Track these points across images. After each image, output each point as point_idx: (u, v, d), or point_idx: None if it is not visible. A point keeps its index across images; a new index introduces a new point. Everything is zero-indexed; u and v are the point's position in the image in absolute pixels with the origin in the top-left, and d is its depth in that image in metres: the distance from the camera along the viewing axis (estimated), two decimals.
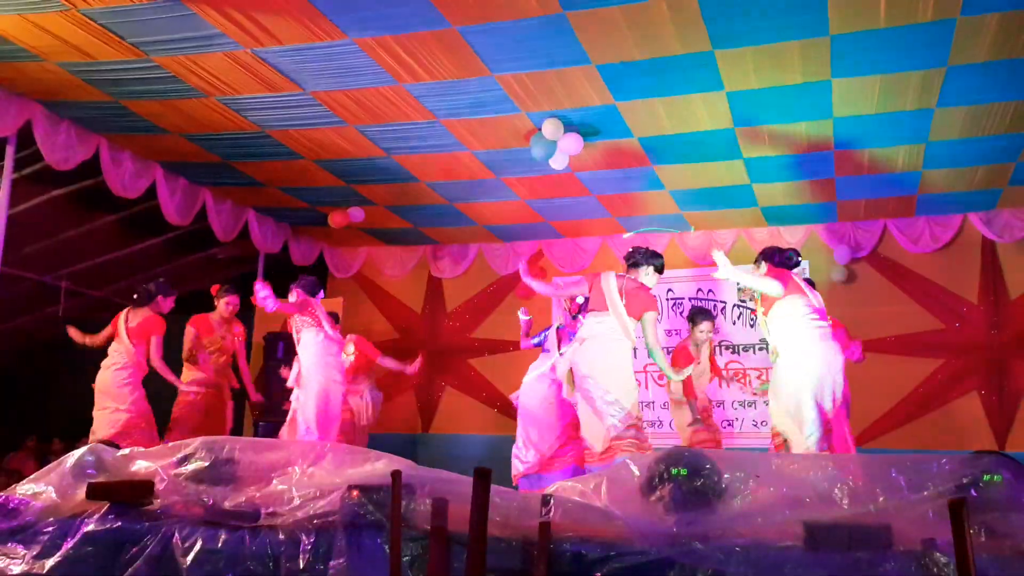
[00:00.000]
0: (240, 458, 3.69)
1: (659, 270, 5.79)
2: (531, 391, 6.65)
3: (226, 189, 8.41)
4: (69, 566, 3.38)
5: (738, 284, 5.48)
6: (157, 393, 7.13)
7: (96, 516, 3.47)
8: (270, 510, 3.30)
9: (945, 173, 7.50)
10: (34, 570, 3.39)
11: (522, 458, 6.51)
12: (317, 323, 6.83)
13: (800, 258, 5.88)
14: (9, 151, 6.66)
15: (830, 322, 5.56)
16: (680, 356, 6.79)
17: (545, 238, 9.78)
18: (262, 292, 6.31)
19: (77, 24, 5.25)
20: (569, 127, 6.57)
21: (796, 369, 5.24)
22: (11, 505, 3.68)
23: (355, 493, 3.18)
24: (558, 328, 6.84)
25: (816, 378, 5.18)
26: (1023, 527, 2.76)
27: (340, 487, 3.25)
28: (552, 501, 2.93)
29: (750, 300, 5.61)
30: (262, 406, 9.23)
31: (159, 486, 3.57)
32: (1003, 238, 8.43)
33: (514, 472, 6.53)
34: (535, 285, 6.18)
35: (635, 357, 5.81)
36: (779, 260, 5.68)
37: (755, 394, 8.01)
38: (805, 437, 5.13)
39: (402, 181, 8.03)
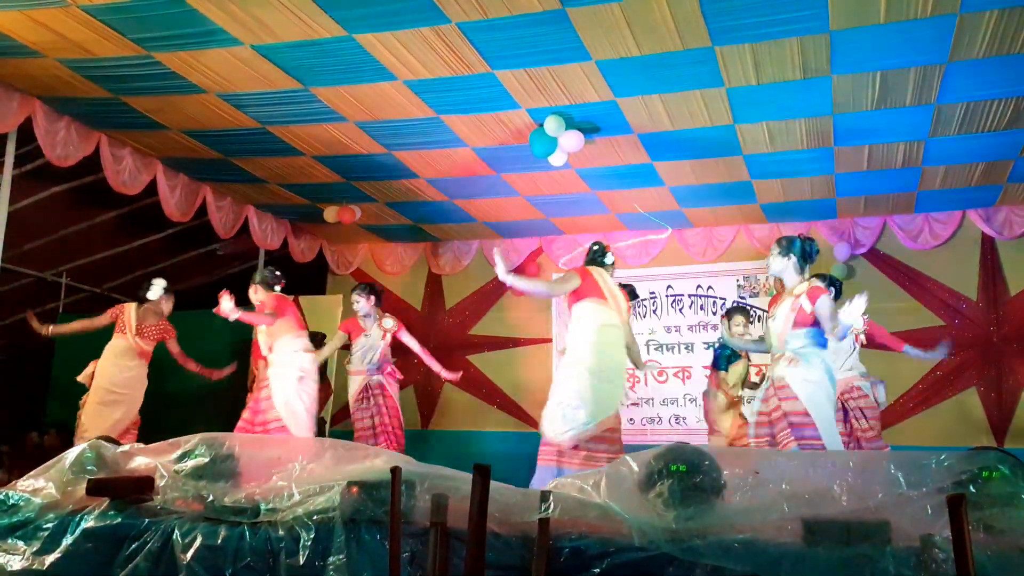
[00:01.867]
0: (240, 454, 3.69)
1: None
2: None
3: (226, 185, 8.41)
4: (69, 562, 3.39)
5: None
6: None
7: (96, 512, 3.47)
8: (270, 506, 3.31)
9: (945, 169, 7.51)
10: (34, 566, 3.40)
11: None
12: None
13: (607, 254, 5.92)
14: (9, 147, 6.67)
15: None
16: None
17: (545, 235, 9.78)
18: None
19: (77, 20, 5.25)
20: (569, 123, 6.56)
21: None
22: (11, 501, 3.68)
23: (354, 489, 3.19)
24: None
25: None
26: (1022, 523, 2.76)
27: (340, 483, 3.26)
28: (551, 497, 2.93)
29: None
30: None
31: (159, 482, 3.57)
32: (1003, 235, 8.44)
33: None
34: (521, 285, 5.83)
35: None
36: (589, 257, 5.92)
37: None
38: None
39: (402, 177, 8.03)
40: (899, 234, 8.78)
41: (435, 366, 7.67)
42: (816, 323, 5.00)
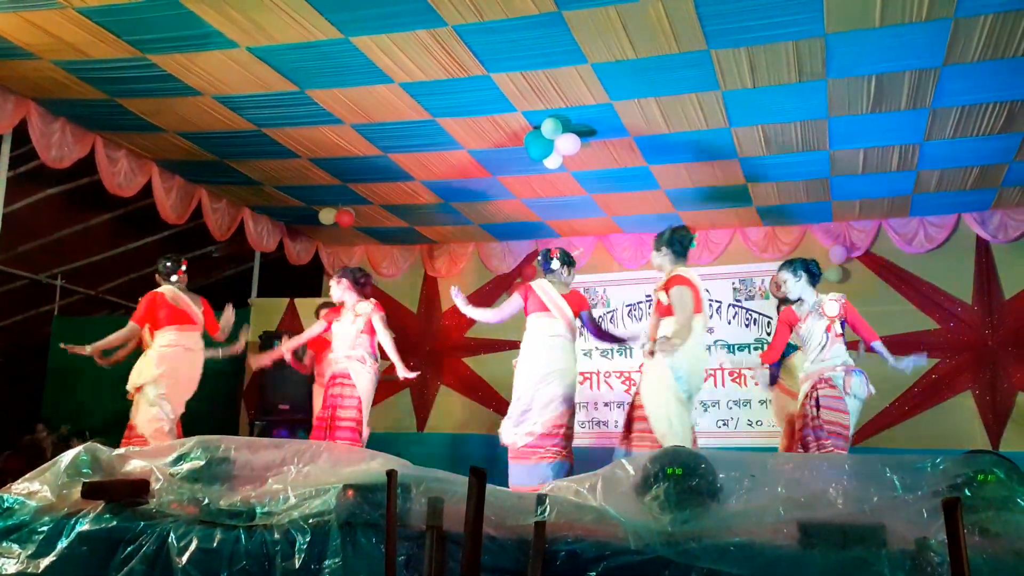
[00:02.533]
0: (236, 457, 3.68)
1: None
2: None
3: (222, 188, 8.40)
4: (64, 565, 3.37)
5: None
6: None
7: (91, 515, 3.46)
8: (265, 509, 3.30)
9: (940, 173, 7.53)
10: (29, 569, 3.38)
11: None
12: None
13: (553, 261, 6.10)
14: (4, 149, 6.67)
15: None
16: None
17: (541, 237, 9.78)
18: None
19: (73, 22, 5.24)
20: (565, 126, 6.57)
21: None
22: (6, 504, 3.67)
23: (350, 492, 3.18)
24: None
25: None
26: (1017, 526, 2.76)
27: (335, 486, 3.26)
28: (547, 500, 2.93)
29: None
30: (258, 405, 9.24)
31: (154, 485, 3.56)
32: (997, 238, 8.46)
33: None
34: (474, 314, 6.38)
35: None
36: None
37: None
38: None
39: (398, 180, 8.03)
40: (894, 237, 8.80)
41: (396, 360, 6.64)
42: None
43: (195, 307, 6.65)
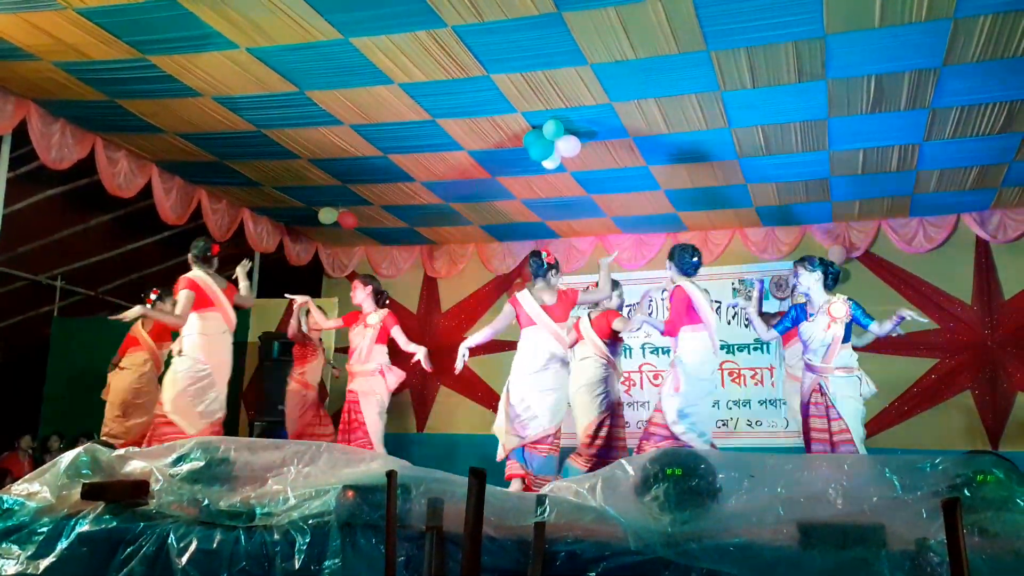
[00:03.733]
0: (235, 458, 3.69)
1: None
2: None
3: (222, 188, 8.40)
4: (64, 566, 3.38)
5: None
6: None
7: (91, 516, 3.47)
8: (265, 510, 3.30)
9: (939, 173, 7.52)
10: (29, 570, 3.39)
11: None
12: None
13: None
14: (4, 150, 6.66)
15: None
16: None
17: (541, 238, 9.77)
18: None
19: (73, 23, 5.24)
20: (565, 127, 6.56)
21: None
22: (6, 505, 3.67)
23: (350, 493, 3.19)
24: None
25: None
26: (1016, 526, 2.77)
27: (335, 487, 3.26)
28: (547, 501, 2.93)
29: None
30: (258, 406, 9.23)
31: (154, 486, 3.57)
32: (997, 238, 8.46)
33: None
34: (477, 340, 6.43)
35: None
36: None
37: None
38: None
39: (398, 181, 8.03)
40: (894, 237, 8.80)
41: (413, 349, 6.93)
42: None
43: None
